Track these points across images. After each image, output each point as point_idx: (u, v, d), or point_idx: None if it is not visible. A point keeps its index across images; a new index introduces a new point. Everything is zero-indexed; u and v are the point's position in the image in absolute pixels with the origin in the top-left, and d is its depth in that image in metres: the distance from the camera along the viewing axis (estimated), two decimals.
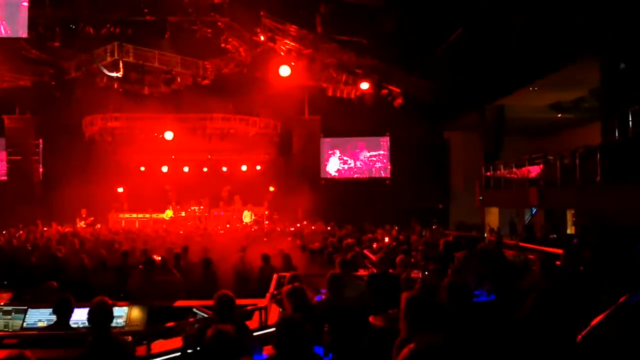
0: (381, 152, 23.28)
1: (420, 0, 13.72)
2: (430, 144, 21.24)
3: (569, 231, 15.25)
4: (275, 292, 5.47)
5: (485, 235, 15.19)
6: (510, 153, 17.31)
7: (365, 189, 22.10)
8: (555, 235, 12.34)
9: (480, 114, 18.21)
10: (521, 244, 10.46)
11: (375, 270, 7.06)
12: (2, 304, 5.93)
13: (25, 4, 12.05)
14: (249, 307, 4.89)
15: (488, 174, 17.81)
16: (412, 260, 7.69)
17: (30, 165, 20.67)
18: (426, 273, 5.93)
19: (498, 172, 17.16)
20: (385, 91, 18.90)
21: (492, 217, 18.08)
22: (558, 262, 5.64)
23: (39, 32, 13.55)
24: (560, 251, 6.43)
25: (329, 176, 23.33)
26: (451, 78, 16.75)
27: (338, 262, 5.95)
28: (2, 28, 12.12)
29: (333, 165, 23.50)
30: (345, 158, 23.51)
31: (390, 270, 6.39)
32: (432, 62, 16.48)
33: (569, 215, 15.84)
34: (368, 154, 23.32)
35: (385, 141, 23.17)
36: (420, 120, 20.02)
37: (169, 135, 20.03)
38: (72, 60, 18.05)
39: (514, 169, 15.75)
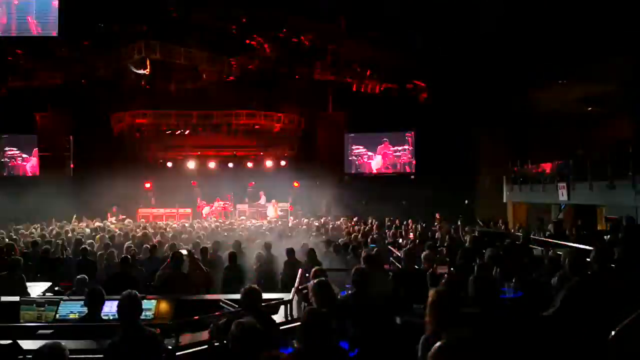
0: (406, 147, 23.09)
1: None
2: (456, 138, 20.97)
3: (599, 227, 14.89)
4: (300, 287, 5.50)
5: (513, 231, 14.96)
6: (537, 147, 16.99)
7: (390, 184, 21.96)
8: (585, 232, 12.06)
9: (508, 109, 17.91)
10: (550, 240, 10.26)
11: (400, 266, 7.04)
12: (36, 296, 6.13)
13: (56, 4, 12.31)
14: (275, 301, 4.93)
15: (515, 169, 17.53)
16: (438, 255, 7.64)
17: (61, 161, 21.17)
18: (452, 269, 5.89)
19: (525, 167, 16.87)
20: (410, 86, 18.76)
21: (520, 212, 17.80)
22: (588, 259, 5.53)
23: (69, 31, 13.85)
24: (590, 248, 6.29)
25: (353, 172, 23.28)
26: (478, 73, 16.50)
27: (363, 257, 5.94)
28: (33, 28, 12.41)
29: (356, 161, 23.43)
30: (369, 153, 23.41)
31: (416, 266, 6.37)
32: (458, 56, 16.26)
33: (600, 211, 15.47)
34: (393, 149, 23.17)
35: (410, 136, 22.98)
36: (446, 115, 19.79)
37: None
38: (101, 58, 18.43)
39: (542, 164, 15.46)
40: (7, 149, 22.27)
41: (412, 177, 22.68)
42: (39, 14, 12.29)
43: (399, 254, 8.09)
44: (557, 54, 13.31)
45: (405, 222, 15.05)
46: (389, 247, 10.01)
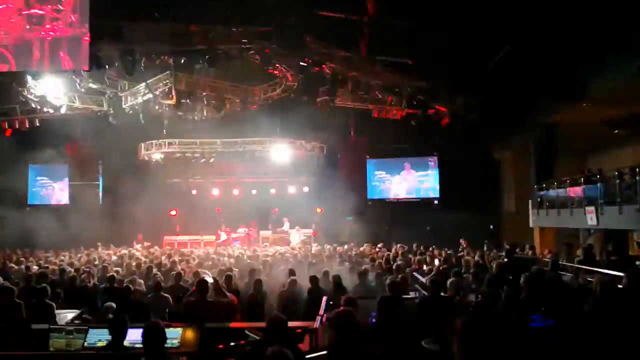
0: (429, 172, 22.99)
1: (465, 18, 13.56)
2: (479, 163, 20.80)
3: (631, 252, 14.46)
4: (324, 315, 5.47)
5: (540, 257, 14.63)
6: (563, 171, 16.71)
7: (413, 210, 21.81)
8: (616, 257, 11.72)
9: (531, 132, 17.74)
10: (579, 266, 10.00)
11: (425, 293, 6.95)
12: (64, 324, 6.22)
13: (87, 39, 12.80)
14: (300, 330, 4.91)
15: (541, 193, 17.24)
16: (464, 282, 7.52)
17: (90, 190, 21.67)
18: (479, 297, 5.79)
19: (551, 191, 16.58)
20: (431, 111, 18.78)
21: (547, 238, 17.40)
22: (620, 285, 5.38)
23: (99, 64, 14.35)
24: (622, 274, 6.13)
25: (375, 198, 23.21)
26: (500, 96, 16.44)
27: (388, 285, 5.89)
28: (65, 63, 12.90)
29: (379, 187, 23.37)
30: (392, 179, 23.35)
31: (442, 293, 6.28)
32: (480, 81, 16.24)
33: (631, 235, 15.04)
34: (415, 174, 23.08)
35: (433, 161, 22.89)
36: (469, 140, 19.69)
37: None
38: (129, 89, 19.01)
39: (569, 188, 15.18)
40: (38, 178, 22.94)
41: (436, 202, 22.49)
42: (70, 49, 12.77)
43: (424, 281, 8.00)
44: (581, 75, 13.21)
45: (430, 248, 14.87)
46: (414, 273, 9.89)
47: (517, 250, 13.91)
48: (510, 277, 6.54)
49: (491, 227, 20.74)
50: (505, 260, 10.89)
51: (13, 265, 12.40)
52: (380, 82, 17.87)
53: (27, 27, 12.88)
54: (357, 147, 22.65)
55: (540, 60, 13.64)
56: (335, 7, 14.29)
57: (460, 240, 16.54)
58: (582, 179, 14.48)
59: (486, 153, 21.09)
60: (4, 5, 12.89)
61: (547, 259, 11.53)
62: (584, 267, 9.72)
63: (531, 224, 18.19)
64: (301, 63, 16.90)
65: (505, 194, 21.65)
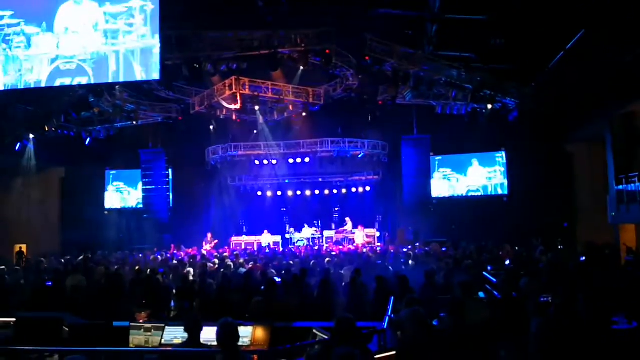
0: (497, 168, 22.19)
1: (533, 5, 12.95)
2: (550, 157, 19.82)
3: None
4: (392, 315, 5.42)
5: (621, 255, 13.75)
6: None
7: (481, 207, 21.13)
8: None
9: (607, 123, 16.69)
10: None
11: (497, 294, 6.73)
12: (141, 321, 6.55)
13: (157, 50, 13.43)
14: (368, 330, 4.89)
15: (620, 187, 16.17)
16: (538, 283, 7.20)
17: (162, 193, 22.72)
18: (555, 298, 5.51)
19: (633, 184, 15.51)
20: (498, 105, 18.17)
21: (628, 235, 16.32)
22: None
23: (168, 73, 15.04)
24: None
25: (440, 196, 22.71)
26: (570, 86, 15.58)
27: (459, 285, 5.74)
28: (138, 73, 13.60)
29: (444, 184, 22.85)
30: (458, 176, 22.75)
31: (514, 293, 6.05)
32: (548, 71, 15.48)
33: None
34: (483, 171, 22.35)
35: (500, 156, 22.08)
36: (538, 133, 18.84)
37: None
38: (196, 96, 19.79)
39: None
40: (115, 183, 24.34)
41: (505, 199, 21.68)
42: (142, 60, 13.46)
43: (495, 281, 7.74)
44: None
45: (502, 247, 14.34)
46: (484, 274, 9.59)
47: (596, 248, 13.13)
48: (589, 277, 6.19)
49: (565, 224, 19.69)
50: (583, 259, 10.32)
51: (93, 265, 13.19)
52: (444, 77, 17.48)
53: (104, 41, 13.71)
54: (421, 145, 22.24)
55: (616, 44, 12.79)
56: (396, 4, 14.12)
57: (534, 239, 15.79)
58: None
59: (557, 146, 20.04)
60: (83, 24, 13.78)
61: (628, 258, 10.83)
62: None
63: (610, 221, 17.12)
64: (362, 62, 16.87)
65: (579, 189, 20.49)
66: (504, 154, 21.82)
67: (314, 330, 5.08)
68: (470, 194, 22.39)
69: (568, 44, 13.89)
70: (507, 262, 11.32)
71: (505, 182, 21.80)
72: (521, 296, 5.83)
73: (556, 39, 14.06)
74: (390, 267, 10.99)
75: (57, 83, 13.94)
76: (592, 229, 17.91)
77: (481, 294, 7.45)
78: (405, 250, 15.48)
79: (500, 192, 21.94)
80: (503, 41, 14.20)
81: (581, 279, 6.38)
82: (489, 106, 18.18)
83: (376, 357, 4.34)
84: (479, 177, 22.36)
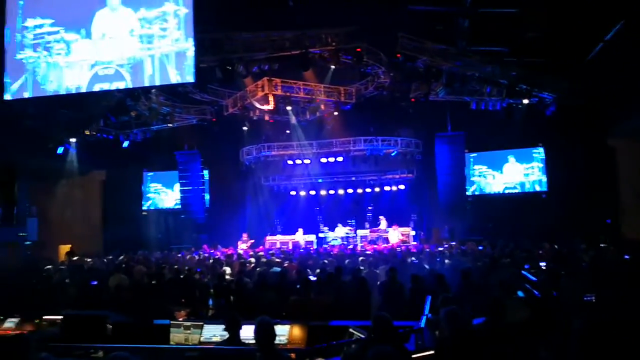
0: (534, 164, 21.66)
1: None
2: (591, 152, 19.18)
3: None
4: (429, 314, 5.38)
5: None
6: None
7: (518, 205, 20.66)
8: None
9: None
10: None
11: (536, 293, 6.58)
12: (181, 319, 6.70)
13: (190, 53, 13.67)
14: (405, 329, 4.87)
15: None
16: (579, 282, 7.00)
17: (198, 194, 23.13)
18: (599, 297, 5.37)
19: None
20: (535, 100, 17.73)
21: None
22: None
23: (202, 76, 15.28)
24: None
25: (476, 193, 22.33)
26: (611, 79, 15.05)
27: (499, 284, 5.65)
28: (173, 76, 13.89)
29: (480, 182, 22.45)
30: (494, 173, 22.32)
31: (554, 293, 5.91)
32: (587, 63, 15.00)
33: None
34: (520, 167, 21.85)
35: (538, 152, 21.54)
36: (577, 127, 18.27)
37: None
38: (229, 98, 20.06)
39: None
40: (152, 184, 24.92)
41: (544, 195, 21.13)
42: (177, 63, 13.74)
43: (534, 280, 7.57)
44: None
45: (541, 245, 13.96)
46: (523, 272, 9.38)
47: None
48: (634, 276, 5.98)
49: (607, 221, 19.03)
50: (627, 257, 9.97)
51: (134, 264, 13.56)
52: (477, 73, 17.16)
53: (140, 46, 14.06)
54: (455, 142, 21.90)
55: None
56: (427, 0, 13.96)
57: (575, 237, 15.30)
58: None
59: (598, 140, 19.37)
60: (120, 30, 14.17)
61: None
62: None
63: None
64: (393, 59, 16.75)
65: (622, 185, 19.75)
66: (542, 149, 21.28)
67: (350, 329, 5.09)
68: (507, 191, 21.94)
69: (607, 35, 13.45)
70: (547, 261, 11.02)
71: (544, 178, 21.26)
72: (562, 295, 5.70)
73: (594, 31, 13.63)
74: (426, 266, 10.89)
75: (96, 88, 14.33)
76: (637, 226, 17.27)
77: (520, 293, 7.30)
78: (441, 249, 15.30)
79: (538, 189, 21.41)
80: (539, 34, 13.86)
81: (626, 278, 6.16)
82: (525, 101, 17.75)
83: (413, 356, 4.32)
84: (515, 173, 21.88)
